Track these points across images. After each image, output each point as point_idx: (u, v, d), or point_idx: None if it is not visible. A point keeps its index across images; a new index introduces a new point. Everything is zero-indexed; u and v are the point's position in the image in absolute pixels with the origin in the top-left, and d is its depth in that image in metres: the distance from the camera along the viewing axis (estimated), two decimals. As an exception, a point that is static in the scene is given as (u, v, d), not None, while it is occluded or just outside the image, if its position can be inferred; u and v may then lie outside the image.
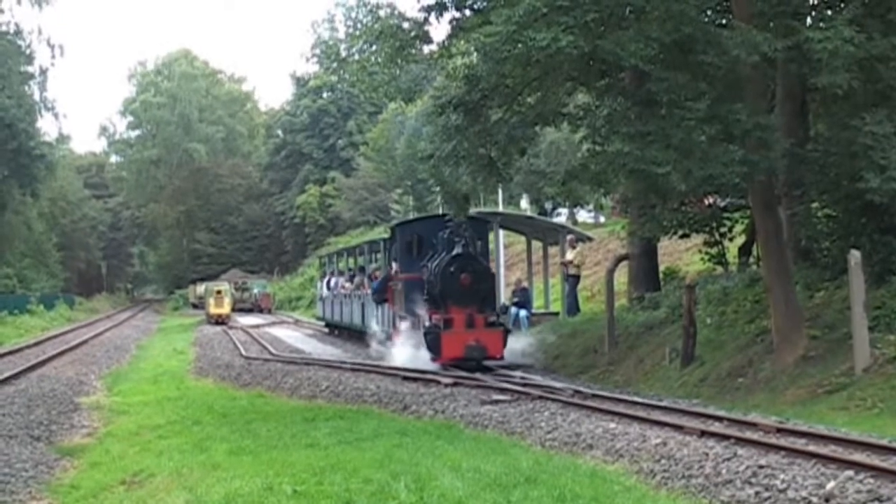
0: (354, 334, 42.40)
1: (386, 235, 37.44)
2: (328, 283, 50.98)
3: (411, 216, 70.58)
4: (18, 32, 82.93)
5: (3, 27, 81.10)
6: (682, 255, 37.81)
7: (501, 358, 27.14)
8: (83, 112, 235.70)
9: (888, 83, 19.58)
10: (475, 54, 24.04)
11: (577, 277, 35.21)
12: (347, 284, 44.88)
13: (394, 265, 32.94)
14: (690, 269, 33.58)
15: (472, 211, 30.56)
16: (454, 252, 27.20)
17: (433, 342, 27.03)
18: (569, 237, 35.60)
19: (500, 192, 49.05)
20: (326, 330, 51.65)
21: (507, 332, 27.88)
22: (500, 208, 49.72)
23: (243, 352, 39.84)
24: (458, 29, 23.71)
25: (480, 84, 23.28)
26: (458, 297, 27.04)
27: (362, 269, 43.51)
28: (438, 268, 27.41)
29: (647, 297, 30.87)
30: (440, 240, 28.16)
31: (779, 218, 21.84)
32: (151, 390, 28.73)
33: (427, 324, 27.74)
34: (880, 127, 19.00)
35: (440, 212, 32.75)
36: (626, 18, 19.86)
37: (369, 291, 36.72)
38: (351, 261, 48.88)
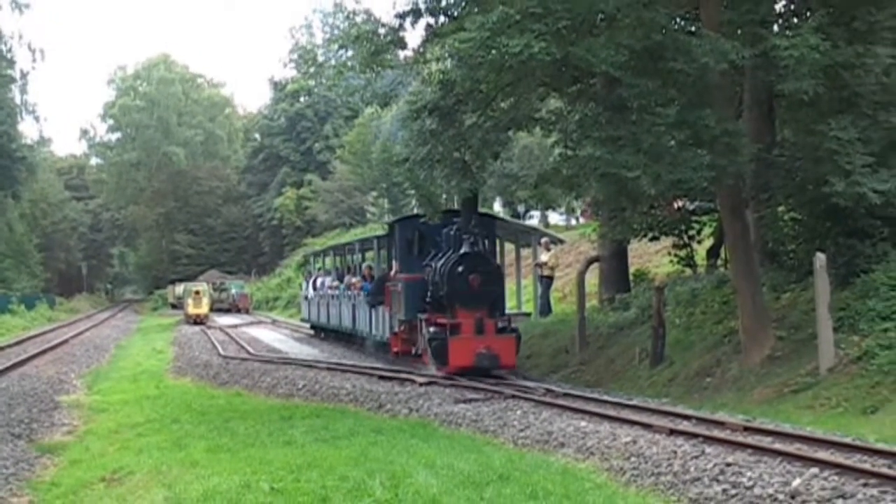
0: (343, 337, 40.62)
1: (381, 232, 35.97)
2: (314, 282, 48.50)
3: (387, 218, 70.21)
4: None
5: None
6: (651, 257, 37.87)
7: (514, 367, 24.88)
8: (64, 115, 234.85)
9: (853, 90, 19.68)
10: (450, 60, 24.04)
11: (550, 279, 35.20)
12: (336, 283, 42.30)
13: (394, 264, 30.09)
14: (660, 271, 33.64)
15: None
16: (462, 250, 24.79)
17: (438, 349, 24.54)
18: (543, 240, 35.55)
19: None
20: (312, 332, 49.36)
21: (519, 338, 25.45)
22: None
23: (221, 351, 39.69)
24: (432, 35, 23.71)
25: (455, 89, 23.30)
26: (467, 299, 24.56)
27: (350, 269, 41.74)
28: (444, 268, 24.97)
29: (617, 299, 30.91)
30: (445, 237, 25.84)
31: (746, 221, 21.89)
32: (131, 389, 28.63)
33: (431, 329, 25.23)
34: (845, 132, 19.10)
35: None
36: (598, 26, 19.89)
37: (361, 292, 34.91)
38: (339, 260, 46.67)
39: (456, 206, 27.42)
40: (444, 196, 27.24)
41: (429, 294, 25.98)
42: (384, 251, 33.98)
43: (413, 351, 27.55)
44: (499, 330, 24.76)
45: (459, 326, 24.39)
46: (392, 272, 29.97)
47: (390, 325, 29.79)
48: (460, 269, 24.57)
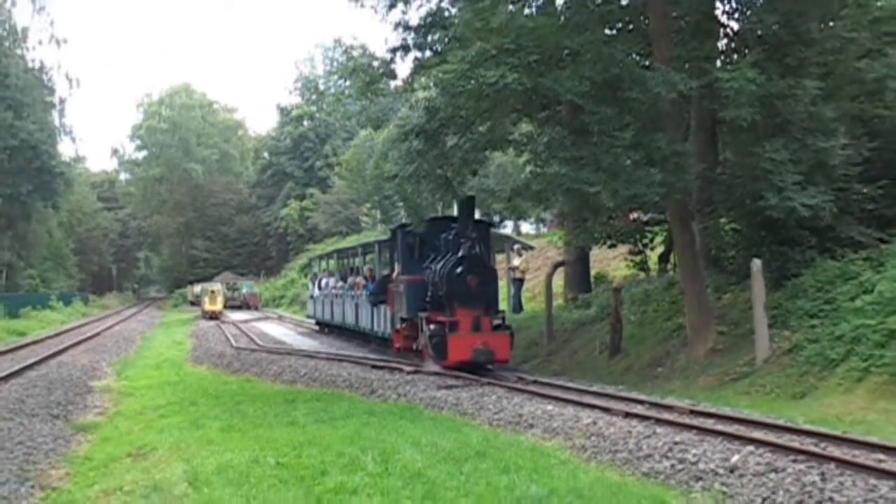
0: (345, 332, 39.82)
1: (383, 237, 35.36)
2: (319, 282, 47.70)
3: (379, 228, 69.96)
4: (41, 68, 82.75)
5: (30, 63, 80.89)
6: (610, 261, 37.87)
7: (508, 361, 23.84)
8: (97, 136, 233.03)
9: (785, 117, 19.73)
10: (434, 89, 24.10)
11: (521, 281, 35.20)
12: (340, 284, 41.56)
13: (396, 267, 28.66)
14: (617, 275, 33.67)
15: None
16: (460, 254, 23.75)
17: (438, 345, 23.54)
18: (515, 247, 35.56)
19: (454, 206, 48.92)
20: (316, 328, 48.28)
21: (513, 335, 24.43)
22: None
23: (234, 343, 39.60)
24: (419, 67, 23.76)
25: (438, 114, 23.36)
26: (465, 299, 23.45)
27: (353, 270, 40.92)
28: (444, 269, 23.93)
29: (580, 298, 30.97)
30: (443, 241, 24.82)
31: (693, 231, 21.93)
32: (154, 375, 28.52)
33: (431, 326, 24.22)
34: (778, 154, 19.18)
35: (440, 216, 28.32)
36: (564, 60, 19.92)
37: (364, 292, 34.21)
38: (342, 262, 45.35)
39: (442, 215, 27.20)
40: (440, 204, 26.84)
41: (429, 294, 24.99)
42: (386, 254, 33.08)
43: (414, 347, 26.73)
44: (494, 327, 23.75)
45: (458, 324, 23.38)
46: (394, 274, 29.00)
47: (392, 323, 29.10)
48: (459, 270, 23.58)
